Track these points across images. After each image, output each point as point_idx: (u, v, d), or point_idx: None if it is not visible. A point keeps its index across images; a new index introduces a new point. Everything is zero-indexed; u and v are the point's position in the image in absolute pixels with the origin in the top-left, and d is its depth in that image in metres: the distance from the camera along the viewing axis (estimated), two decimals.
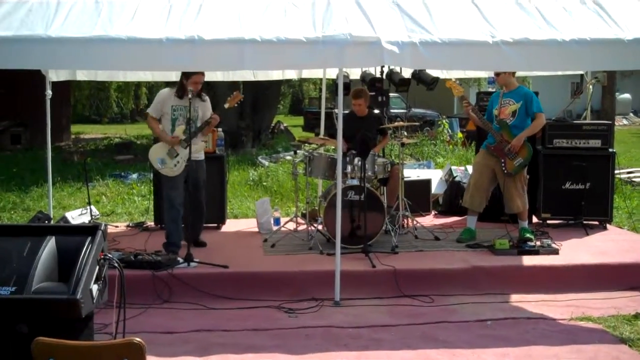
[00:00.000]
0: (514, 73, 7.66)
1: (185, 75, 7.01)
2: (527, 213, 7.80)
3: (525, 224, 7.73)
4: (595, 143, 8.49)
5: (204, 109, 7.25)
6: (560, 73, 9.33)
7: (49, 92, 8.26)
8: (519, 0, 6.51)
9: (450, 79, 7.90)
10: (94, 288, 3.57)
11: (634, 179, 13.06)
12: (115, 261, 3.76)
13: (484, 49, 6.05)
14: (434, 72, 8.88)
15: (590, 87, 9.35)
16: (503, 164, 7.48)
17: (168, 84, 7.83)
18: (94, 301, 3.58)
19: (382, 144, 8.34)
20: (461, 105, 7.82)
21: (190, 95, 6.79)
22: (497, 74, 7.57)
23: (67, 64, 6.80)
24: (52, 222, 8.05)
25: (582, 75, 9.57)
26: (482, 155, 7.78)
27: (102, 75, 9.73)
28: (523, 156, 7.46)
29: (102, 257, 3.67)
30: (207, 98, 7.37)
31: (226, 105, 7.31)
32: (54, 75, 8.49)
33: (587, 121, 9.22)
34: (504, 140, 7.46)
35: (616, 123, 26.65)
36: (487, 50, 6.04)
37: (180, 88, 7.11)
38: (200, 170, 7.30)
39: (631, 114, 36.72)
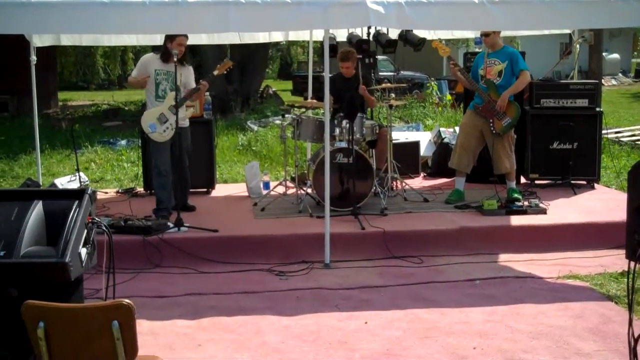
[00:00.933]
0: (499, 33, 7.63)
1: (169, 38, 6.93)
2: (514, 173, 7.84)
3: (513, 184, 7.78)
4: (583, 102, 8.49)
5: (187, 74, 7.20)
6: (547, 32, 9.30)
7: (33, 58, 8.18)
8: None
9: (436, 39, 7.86)
10: (83, 251, 3.57)
11: (621, 139, 13.11)
12: (104, 225, 3.76)
13: (470, 9, 6.05)
14: (421, 33, 8.83)
15: (577, 46, 9.34)
16: (491, 124, 7.48)
17: (154, 47, 7.74)
18: (83, 265, 3.59)
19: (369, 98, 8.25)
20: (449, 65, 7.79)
21: (175, 59, 6.72)
22: (487, 35, 7.53)
23: (49, 28, 6.69)
24: (41, 188, 8.02)
25: (570, 35, 9.53)
26: (469, 116, 7.78)
27: (86, 40, 9.61)
28: (511, 116, 7.47)
29: (90, 220, 3.66)
30: (189, 65, 7.35)
31: (215, 72, 7.29)
32: (38, 40, 8.39)
33: (574, 81, 9.21)
34: (492, 100, 7.46)
35: (605, 83, 26.71)
36: (474, 10, 6.04)
37: (164, 52, 7.04)
38: (184, 137, 7.29)
39: (620, 74, 36.69)
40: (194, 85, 7.26)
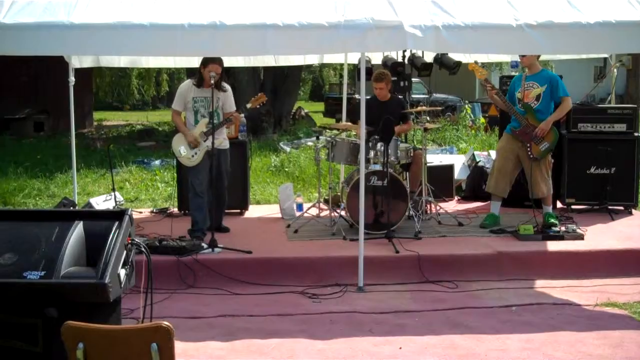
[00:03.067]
0: (538, 56, 7.57)
1: (203, 64, 7.04)
2: (551, 198, 7.74)
3: (550, 209, 7.67)
4: (620, 127, 8.40)
5: (225, 99, 7.29)
6: (584, 56, 9.23)
7: (72, 79, 8.32)
8: None
9: (473, 62, 7.83)
10: (122, 272, 3.60)
11: None
12: (143, 246, 3.79)
13: (507, 32, 6.00)
14: (456, 56, 8.83)
15: (615, 70, 9.24)
16: (529, 149, 7.40)
17: (189, 70, 7.84)
18: (122, 285, 3.61)
19: (404, 128, 8.29)
20: (484, 88, 7.75)
21: (212, 81, 6.81)
22: (523, 55, 7.48)
23: (89, 50, 6.83)
24: (77, 208, 8.12)
25: (605, 59, 9.47)
26: (506, 140, 7.70)
27: (124, 61, 9.76)
28: (549, 140, 7.39)
29: (130, 242, 3.70)
30: (228, 88, 7.39)
31: (249, 106, 7.43)
32: (77, 62, 8.54)
33: (612, 105, 9.12)
34: (530, 124, 7.39)
35: None
36: (511, 34, 5.99)
37: (199, 78, 7.16)
38: (224, 159, 7.36)
39: None
40: (233, 107, 7.34)
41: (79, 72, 8.64)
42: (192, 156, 7.12)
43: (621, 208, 8.43)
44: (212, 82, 6.83)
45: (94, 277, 3.48)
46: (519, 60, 8.03)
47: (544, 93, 7.45)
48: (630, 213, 8.41)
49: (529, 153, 7.41)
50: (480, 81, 7.77)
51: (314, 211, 8.23)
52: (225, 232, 7.49)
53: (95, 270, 3.51)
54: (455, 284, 6.31)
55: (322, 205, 8.29)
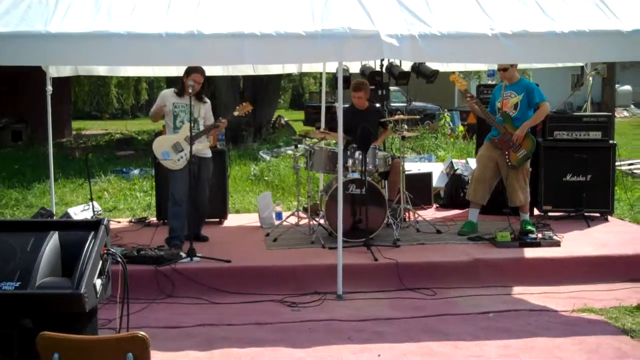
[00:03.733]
0: (515, 65, 7.65)
1: (186, 74, 7.12)
2: (528, 206, 7.81)
3: (527, 216, 7.74)
4: (596, 135, 8.49)
5: (205, 109, 7.39)
6: (560, 65, 9.32)
7: (49, 88, 8.27)
8: None
9: (454, 72, 7.89)
10: (98, 282, 3.59)
11: (634, 171, 13.06)
12: (119, 256, 3.79)
13: (483, 42, 6.06)
14: (433, 65, 8.88)
15: (590, 79, 9.35)
16: (507, 156, 7.47)
17: (168, 79, 7.85)
18: (98, 295, 3.60)
19: (382, 137, 8.34)
20: (464, 98, 7.81)
21: (190, 90, 6.83)
22: (505, 70, 7.54)
23: (67, 59, 6.78)
24: (54, 218, 8.07)
25: (582, 67, 9.56)
26: (485, 148, 7.77)
27: (103, 70, 9.73)
28: (527, 148, 7.46)
29: (105, 251, 3.69)
30: (207, 100, 7.51)
31: (235, 113, 7.47)
32: (55, 71, 8.50)
33: (587, 113, 9.22)
34: (508, 132, 7.46)
35: (617, 115, 26.67)
36: (486, 43, 6.05)
37: (180, 86, 7.24)
38: (205, 167, 7.38)
39: (632, 106, 36.67)
40: (212, 119, 7.42)
41: (57, 81, 8.60)
42: (179, 160, 7.10)
43: (597, 215, 8.51)
44: (191, 90, 6.84)
45: (70, 288, 3.47)
46: (495, 69, 8.10)
47: (521, 101, 7.53)
48: (606, 220, 8.49)
49: (507, 161, 7.48)
50: (460, 91, 7.83)
51: (293, 220, 8.24)
52: (204, 241, 7.47)
53: (70, 281, 3.50)
54: (433, 291, 6.33)
55: (301, 214, 8.30)
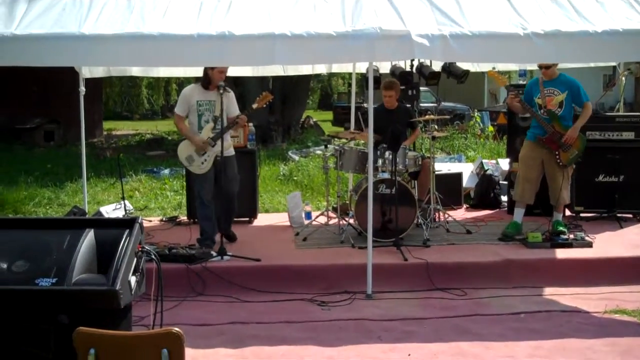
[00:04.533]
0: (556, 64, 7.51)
1: (210, 66, 6.97)
2: (563, 207, 7.68)
3: (560, 216, 7.63)
4: (629, 135, 8.40)
5: (228, 102, 7.12)
6: (592, 65, 9.23)
7: (82, 89, 8.38)
8: None
9: (492, 69, 7.81)
10: (132, 279, 3.64)
11: None
12: (153, 253, 3.83)
13: (514, 41, 6.03)
14: (464, 65, 8.85)
15: (623, 78, 9.26)
16: (557, 156, 7.33)
17: (199, 79, 7.88)
18: (132, 292, 3.65)
19: (412, 138, 8.33)
20: (494, 98, 7.76)
21: (221, 91, 6.80)
22: (547, 67, 7.38)
23: (100, 61, 6.88)
24: (87, 216, 8.17)
25: (614, 67, 9.47)
26: (529, 147, 7.58)
27: (135, 71, 9.83)
28: (577, 147, 7.34)
29: (140, 249, 3.74)
30: (230, 91, 7.21)
31: (255, 106, 7.32)
32: (87, 72, 8.61)
33: (620, 113, 9.12)
34: (556, 131, 7.32)
35: None
36: (518, 43, 6.02)
37: (205, 79, 7.11)
38: (230, 166, 7.22)
39: None
40: (236, 111, 7.27)
41: (89, 81, 8.72)
42: (202, 163, 7.09)
43: (630, 216, 8.42)
44: (222, 91, 6.79)
45: (105, 284, 3.52)
46: (526, 69, 8.03)
47: (566, 99, 7.38)
48: (639, 221, 8.39)
49: (558, 160, 7.35)
50: (505, 87, 7.64)
51: (322, 219, 8.26)
52: (233, 240, 7.47)
53: (106, 277, 3.55)
54: (463, 291, 6.32)
55: (331, 214, 8.32)
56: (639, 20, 6.19)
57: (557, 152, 7.34)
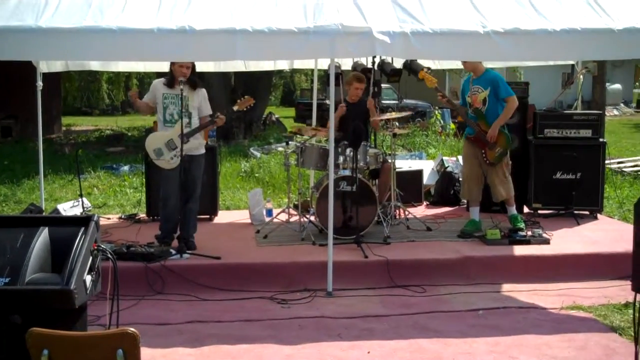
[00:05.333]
0: None
1: (172, 62, 6.83)
2: (513, 199, 7.71)
3: (514, 209, 7.69)
4: (586, 133, 8.51)
5: (200, 98, 7.01)
6: (551, 63, 9.35)
7: (39, 84, 8.22)
8: None
9: (423, 69, 7.83)
10: (88, 279, 3.58)
11: (624, 169, 13.13)
12: (109, 252, 3.77)
13: (474, 39, 6.08)
14: (425, 63, 8.89)
15: (581, 77, 9.38)
16: (484, 154, 7.46)
17: (159, 74, 7.77)
18: (88, 292, 3.59)
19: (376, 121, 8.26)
20: (455, 96, 7.82)
21: (181, 86, 6.69)
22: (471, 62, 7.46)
23: (58, 54, 6.78)
24: (44, 214, 8.03)
25: (573, 66, 9.59)
26: (466, 146, 7.74)
27: (94, 66, 9.68)
28: (502, 145, 7.42)
29: (96, 248, 3.67)
30: (201, 88, 7.09)
31: (235, 108, 7.14)
32: (45, 66, 8.45)
33: (578, 111, 9.25)
34: (482, 130, 7.42)
35: (607, 113, 26.78)
36: (478, 40, 6.07)
37: (169, 76, 6.97)
38: (196, 166, 7.03)
39: (622, 104, 36.85)
40: (208, 110, 7.08)
41: (47, 76, 8.55)
42: (172, 158, 6.83)
43: (587, 213, 8.54)
44: (182, 86, 6.67)
45: (59, 284, 3.46)
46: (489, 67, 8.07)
47: (489, 96, 7.45)
48: (596, 218, 8.52)
49: (485, 159, 7.46)
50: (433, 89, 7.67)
51: (283, 216, 8.24)
52: (192, 248, 6.95)
53: (60, 277, 3.49)
54: (423, 288, 6.35)
55: (292, 211, 8.30)
56: (597, 19, 6.27)
57: (483, 151, 7.45)
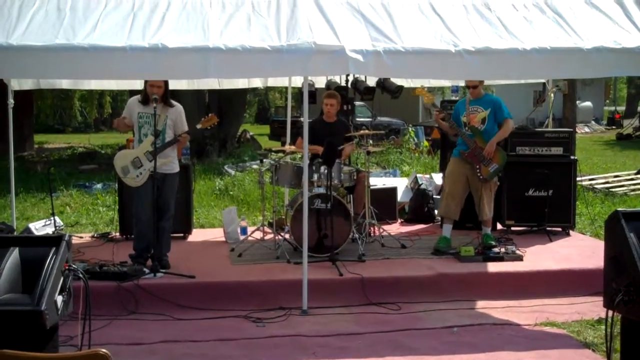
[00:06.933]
0: (482, 82, 7.72)
1: (146, 80, 6.81)
2: (491, 220, 7.86)
3: (489, 230, 7.79)
4: (557, 150, 8.61)
5: (176, 114, 6.97)
6: (522, 81, 9.45)
7: (10, 101, 8.16)
8: (481, 10, 6.61)
9: (420, 87, 7.95)
10: (59, 299, 3.54)
11: (595, 186, 13.27)
12: (80, 272, 3.73)
13: (446, 58, 6.13)
14: (398, 81, 8.95)
15: (552, 95, 9.50)
16: (478, 170, 7.52)
17: (132, 92, 7.74)
18: (59, 312, 3.55)
19: (347, 153, 8.35)
20: (429, 113, 7.90)
21: (154, 105, 6.68)
22: (475, 87, 7.61)
23: (29, 72, 6.69)
24: (15, 233, 7.93)
25: (544, 84, 9.71)
26: (454, 163, 7.77)
27: (65, 84, 9.63)
28: (498, 162, 7.53)
29: (67, 267, 3.64)
30: (176, 104, 7.04)
31: (199, 126, 7.08)
32: (17, 84, 8.38)
33: (549, 129, 9.35)
34: (478, 146, 7.51)
35: (578, 131, 27.12)
36: (450, 59, 6.12)
37: (143, 94, 6.93)
38: (168, 185, 6.97)
39: (593, 122, 37.34)
40: (184, 127, 7.03)
41: (19, 93, 8.50)
42: (137, 176, 6.82)
43: (559, 229, 8.61)
44: (155, 104, 6.66)
45: (30, 304, 3.41)
46: (459, 85, 8.18)
47: (489, 116, 7.61)
48: (568, 234, 8.60)
49: (479, 174, 7.52)
50: (426, 105, 7.88)
51: (258, 234, 8.21)
52: (166, 267, 6.86)
53: (31, 297, 3.44)
54: (398, 305, 6.35)
55: (267, 229, 8.27)
56: (567, 39, 6.37)
57: (478, 167, 7.53)
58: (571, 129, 9.41)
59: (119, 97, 34.08)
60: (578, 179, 8.86)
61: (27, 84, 8.82)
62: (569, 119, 18.44)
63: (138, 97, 7.07)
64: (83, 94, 31.96)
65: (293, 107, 10.80)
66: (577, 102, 25.37)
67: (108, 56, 5.80)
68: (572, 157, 8.65)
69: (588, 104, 36.40)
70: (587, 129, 35.19)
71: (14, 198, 8.67)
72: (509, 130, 7.77)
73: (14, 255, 3.58)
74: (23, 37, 5.78)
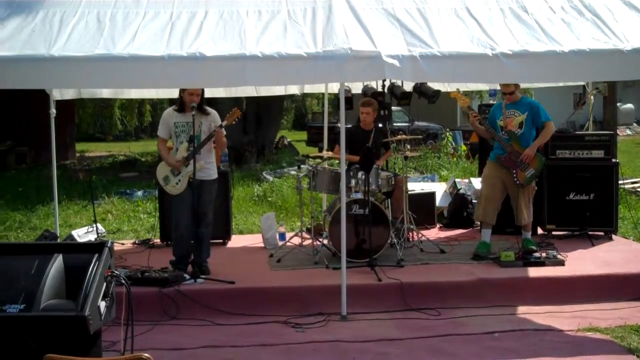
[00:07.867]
0: (518, 86, 7.64)
1: (182, 89, 6.91)
2: (531, 225, 7.77)
3: (529, 235, 7.70)
4: (598, 154, 8.50)
5: (211, 120, 7.04)
6: (561, 84, 9.34)
7: (53, 111, 8.32)
8: (518, 13, 6.56)
9: (455, 90, 7.90)
10: (102, 305, 3.60)
11: (638, 189, 13.04)
12: (123, 278, 3.79)
13: (483, 62, 6.10)
14: (435, 85, 8.92)
15: (592, 97, 9.37)
16: (515, 175, 7.44)
17: (172, 100, 7.83)
18: (102, 318, 3.61)
19: (385, 158, 8.35)
20: (466, 116, 7.85)
21: (193, 112, 6.76)
22: (511, 93, 7.51)
23: (69, 83, 6.85)
24: (58, 240, 8.07)
25: (584, 86, 9.59)
26: (491, 167, 7.71)
27: (106, 93, 9.79)
28: (534, 167, 7.44)
29: (109, 274, 3.70)
30: (212, 111, 7.13)
31: (224, 123, 7.10)
32: (58, 94, 8.55)
33: (590, 132, 9.23)
34: (515, 150, 7.43)
35: (619, 133, 26.69)
36: (487, 63, 6.09)
37: (179, 102, 7.04)
38: (207, 190, 7.05)
39: (634, 124, 36.68)
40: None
41: (60, 103, 8.66)
42: (177, 183, 6.96)
43: (601, 234, 8.48)
44: (193, 112, 6.76)
45: (74, 310, 3.48)
46: (497, 89, 8.11)
47: (526, 120, 7.52)
48: (610, 238, 8.47)
49: (515, 179, 7.44)
50: (462, 108, 7.83)
51: (296, 240, 8.24)
52: (206, 273, 6.95)
53: (75, 303, 3.51)
54: (437, 311, 6.31)
55: (305, 234, 8.30)
56: (605, 41, 6.29)
57: (514, 171, 7.44)
58: (612, 132, 9.27)
59: (159, 106, 34.44)
60: (620, 182, 8.72)
61: (69, 94, 8.98)
62: (610, 122, 18.17)
63: (172, 108, 7.20)
64: (123, 102, 32.42)
65: (330, 113, 10.84)
66: (618, 104, 24.97)
67: (147, 65, 5.90)
68: (613, 160, 8.53)
69: (630, 106, 35.77)
70: (629, 132, 34.58)
71: (57, 206, 8.83)
72: (550, 133, 7.67)
73: (58, 262, 3.65)
74: (64, 48, 5.90)
